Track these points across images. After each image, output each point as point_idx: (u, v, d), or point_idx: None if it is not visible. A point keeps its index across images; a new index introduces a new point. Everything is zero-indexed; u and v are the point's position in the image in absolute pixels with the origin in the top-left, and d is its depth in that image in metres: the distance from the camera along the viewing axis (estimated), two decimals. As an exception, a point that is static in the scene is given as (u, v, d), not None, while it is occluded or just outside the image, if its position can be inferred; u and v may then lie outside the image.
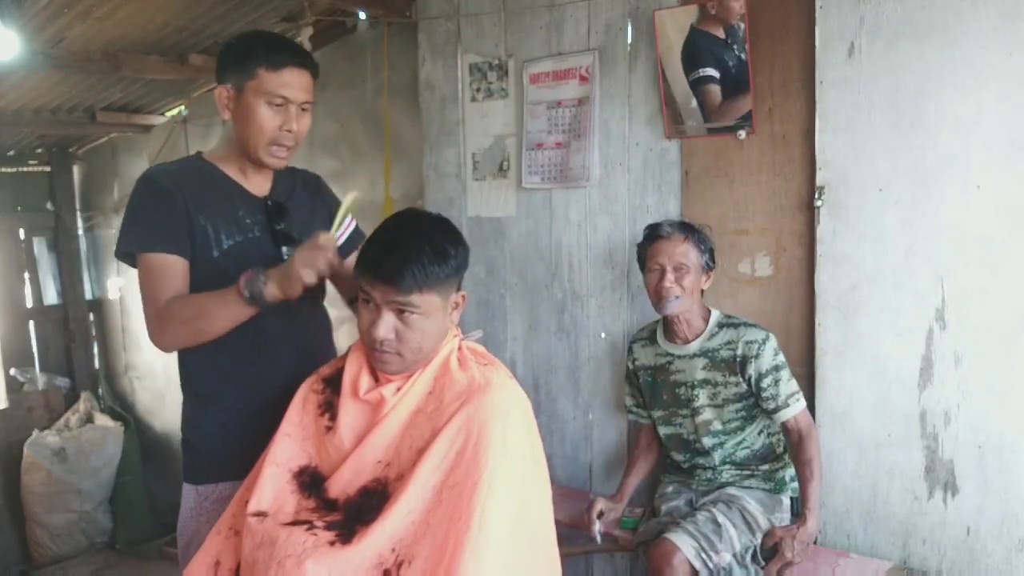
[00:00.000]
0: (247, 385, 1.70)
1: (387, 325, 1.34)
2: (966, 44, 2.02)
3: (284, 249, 1.71)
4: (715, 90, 2.39)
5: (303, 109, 1.69)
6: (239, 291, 1.52)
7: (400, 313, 1.34)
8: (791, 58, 2.29)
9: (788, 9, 2.28)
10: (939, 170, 2.08)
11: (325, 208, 1.85)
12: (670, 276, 2.16)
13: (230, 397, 1.70)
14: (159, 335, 1.63)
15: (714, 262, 2.26)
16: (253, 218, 1.71)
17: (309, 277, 1.50)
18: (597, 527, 2.31)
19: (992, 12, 1.98)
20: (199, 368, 1.72)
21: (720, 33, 2.36)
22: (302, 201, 1.82)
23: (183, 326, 1.59)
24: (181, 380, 1.77)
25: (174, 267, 1.62)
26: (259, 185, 1.76)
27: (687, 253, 2.17)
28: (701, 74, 2.41)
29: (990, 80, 2.00)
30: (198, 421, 1.75)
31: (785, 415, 2.14)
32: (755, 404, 2.20)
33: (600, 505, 2.33)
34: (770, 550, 2.06)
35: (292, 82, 1.64)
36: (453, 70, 3.02)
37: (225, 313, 1.56)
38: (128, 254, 1.65)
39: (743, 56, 2.33)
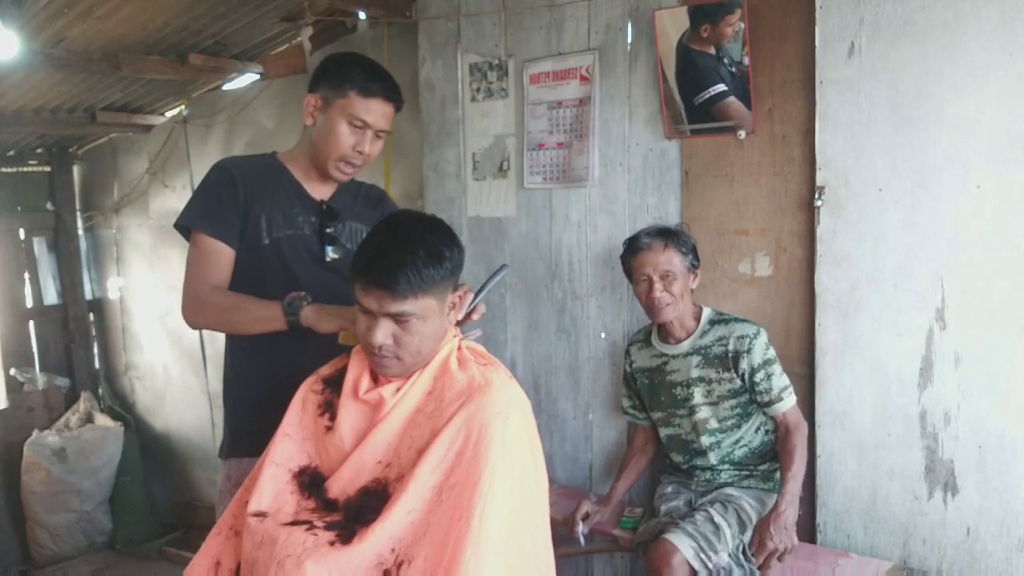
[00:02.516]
0: (275, 378, 1.73)
1: (385, 331, 1.34)
2: (966, 44, 2.02)
3: (328, 249, 1.83)
4: (732, 102, 2.38)
5: (378, 136, 1.81)
6: (281, 304, 1.65)
7: (398, 319, 1.33)
8: (791, 58, 2.29)
9: (788, 9, 2.29)
10: (939, 170, 2.09)
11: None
12: (658, 285, 2.18)
13: (261, 387, 1.77)
14: (192, 313, 1.78)
15: (698, 260, 2.26)
16: (306, 217, 1.83)
17: (331, 326, 1.61)
18: (580, 528, 2.35)
19: (992, 12, 1.99)
20: (241, 356, 1.85)
21: (712, 51, 2.37)
22: (359, 212, 1.92)
23: (218, 314, 1.75)
24: (225, 361, 1.90)
25: (220, 254, 1.77)
26: (320, 190, 1.87)
27: (671, 260, 2.18)
28: (712, 93, 2.39)
29: (990, 80, 2.00)
30: (233, 405, 1.87)
31: (780, 408, 2.16)
32: (750, 400, 2.21)
33: (586, 507, 2.38)
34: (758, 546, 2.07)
35: (377, 110, 1.77)
36: (453, 70, 3.02)
37: (260, 316, 1.69)
38: (184, 227, 1.80)
39: (744, 62, 2.33)
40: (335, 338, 1.72)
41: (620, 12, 2.60)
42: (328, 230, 1.84)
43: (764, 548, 2.03)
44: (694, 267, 2.23)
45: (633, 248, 2.24)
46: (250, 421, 1.75)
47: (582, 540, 2.36)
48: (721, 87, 2.37)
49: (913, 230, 2.13)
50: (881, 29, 2.12)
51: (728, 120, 2.40)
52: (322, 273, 1.82)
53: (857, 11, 2.15)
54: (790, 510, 2.07)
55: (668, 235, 2.21)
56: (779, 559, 2.05)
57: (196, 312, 1.77)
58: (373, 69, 1.80)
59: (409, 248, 1.33)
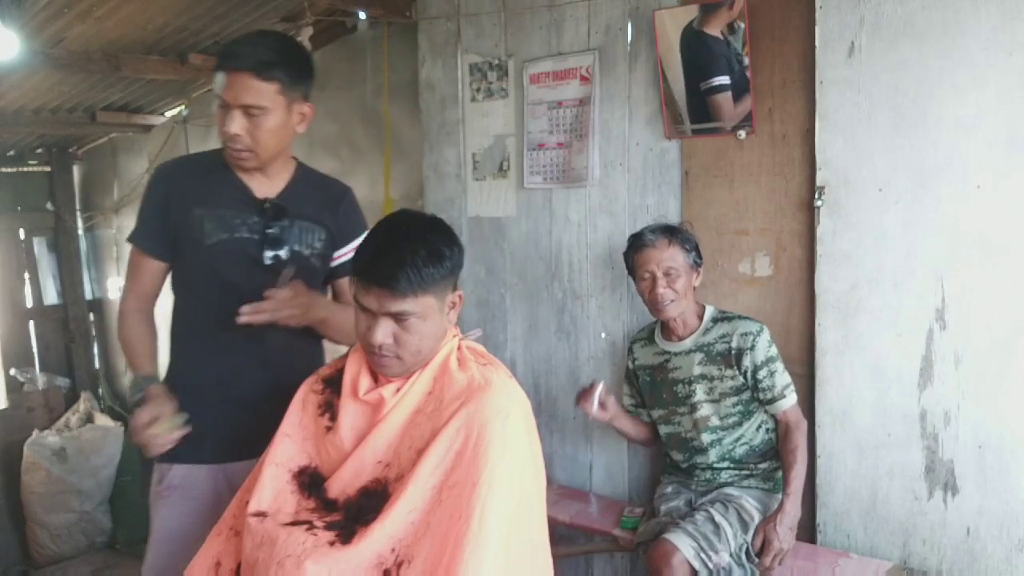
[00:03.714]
0: (212, 382, 1.75)
1: (384, 330, 1.33)
2: (966, 44, 2.02)
3: (267, 254, 1.70)
4: (728, 98, 2.38)
5: (248, 113, 1.61)
6: (133, 378, 1.70)
7: (397, 318, 1.33)
8: (791, 58, 2.29)
9: (788, 9, 2.28)
10: (939, 170, 2.09)
11: (338, 223, 1.84)
12: (662, 282, 2.18)
13: (196, 390, 1.73)
14: (118, 325, 1.77)
15: (701, 258, 2.27)
16: (243, 219, 1.71)
17: (145, 448, 1.59)
18: (599, 391, 2.27)
19: (992, 12, 1.98)
20: (177, 357, 1.81)
21: (719, 34, 2.36)
22: (313, 212, 1.79)
23: (120, 339, 1.77)
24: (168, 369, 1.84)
25: (144, 266, 1.74)
26: (267, 186, 1.75)
27: (674, 257, 2.18)
28: (715, 83, 2.38)
29: (990, 80, 2.00)
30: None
31: (782, 406, 2.17)
32: (752, 398, 2.21)
33: (601, 386, 2.29)
34: (762, 546, 2.07)
35: (230, 84, 1.59)
36: (453, 70, 3.02)
37: (129, 363, 1.74)
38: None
39: (744, 56, 2.33)
40: (273, 340, 1.72)
41: (620, 12, 2.60)
42: (270, 231, 1.71)
43: (771, 548, 2.03)
44: (697, 265, 2.24)
45: (637, 245, 2.25)
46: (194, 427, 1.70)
47: (595, 406, 2.28)
48: (724, 79, 2.36)
49: (913, 230, 2.13)
50: (881, 29, 2.12)
51: (719, 115, 2.40)
52: (262, 278, 1.68)
53: (857, 11, 2.15)
54: (795, 510, 2.07)
55: (672, 232, 2.22)
56: (780, 561, 2.05)
57: (118, 327, 1.77)
58: (236, 41, 1.65)
59: (409, 247, 1.32)
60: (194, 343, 1.77)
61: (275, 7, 3.20)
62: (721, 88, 2.38)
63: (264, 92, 1.60)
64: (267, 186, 1.75)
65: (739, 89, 2.36)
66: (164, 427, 1.58)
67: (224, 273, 1.70)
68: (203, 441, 1.71)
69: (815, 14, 2.21)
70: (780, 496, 2.18)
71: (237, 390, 1.75)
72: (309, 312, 1.68)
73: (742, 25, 2.32)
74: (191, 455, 1.72)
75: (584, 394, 2.31)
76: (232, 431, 1.74)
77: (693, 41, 2.41)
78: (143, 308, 1.77)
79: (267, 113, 1.63)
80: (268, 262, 1.70)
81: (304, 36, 3.37)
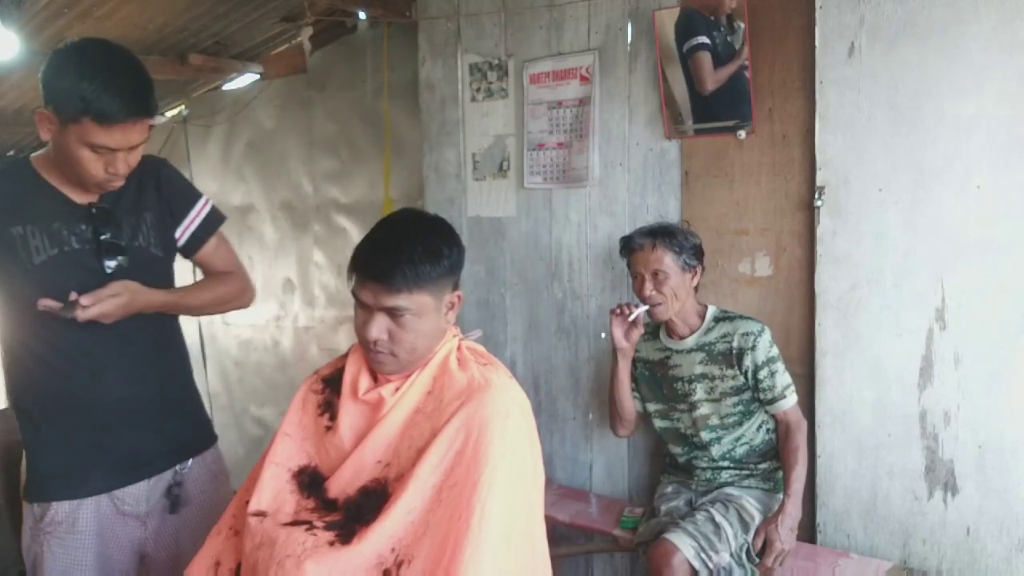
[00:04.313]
0: (77, 407, 1.63)
1: (380, 326, 1.33)
2: (966, 44, 2.02)
3: (108, 263, 1.60)
4: (707, 58, 2.41)
5: (134, 149, 1.54)
6: None
7: (392, 313, 1.33)
8: (791, 58, 2.29)
9: (788, 9, 2.29)
10: (939, 170, 2.09)
11: (163, 201, 1.73)
12: (648, 284, 2.19)
13: (60, 418, 1.63)
14: None
15: (697, 260, 2.23)
16: (71, 229, 1.59)
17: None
18: (635, 317, 2.24)
19: (992, 12, 1.99)
20: (25, 385, 1.66)
21: (707, 13, 2.40)
22: (137, 200, 1.68)
23: None
24: (7, 394, 1.70)
25: None
26: (85, 193, 1.61)
27: (661, 259, 2.18)
28: (694, 42, 2.42)
29: (990, 80, 2.01)
30: (30, 439, 1.67)
31: (782, 406, 2.17)
32: (752, 398, 2.21)
33: (642, 310, 2.24)
34: (763, 547, 2.07)
35: (120, 135, 1.48)
36: (453, 70, 3.02)
37: None
38: None
39: (728, 37, 2.37)
40: (136, 366, 1.63)
41: (620, 12, 2.60)
42: (104, 237, 1.59)
43: (772, 549, 2.03)
44: (690, 266, 2.21)
45: (627, 247, 2.26)
46: (67, 464, 1.62)
47: (627, 325, 2.26)
48: (703, 39, 2.40)
49: (913, 230, 2.13)
50: (881, 29, 2.12)
51: (700, 78, 2.43)
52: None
53: (857, 11, 2.15)
54: (796, 511, 2.07)
55: (659, 235, 2.20)
56: (781, 562, 2.05)
57: None
58: (107, 82, 1.44)
59: (407, 244, 1.33)
60: (47, 374, 1.62)
61: (275, 7, 3.20)
62: (701, 46, 2.41)
63: (148, 128, 1.55)
64: (84, 192, 1.61)
65: (721, 55, 2.39)
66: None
67: (61, 289, 1.53)
68: (83, 473, 1.63)
69: (815, 14, 2.21)
70: (781, 496, 2.18)
71: (111, 411, 1.64)
72: (130, 308, 1.59)
73: (742, 25, 2.32)
74: (70, 491, 1.62)
75: (621, 309, 2.26)
76: (114, 455, 1.65)
77: (681, 16, 2.46)
78: None
79: (144, 143, 1.58)
80: (109, 271, 1.60)
81: (304, 36, 3.37)
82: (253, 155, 4.34)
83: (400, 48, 3.38)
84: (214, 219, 1.83)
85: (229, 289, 1.83)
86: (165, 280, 1.74)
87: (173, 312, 1.76)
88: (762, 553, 2.06)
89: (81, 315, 1.51)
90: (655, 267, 2.18)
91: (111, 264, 1.60)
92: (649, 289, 2.19)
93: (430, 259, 1.33)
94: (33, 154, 1.64)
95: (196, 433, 1.83)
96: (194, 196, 1.80)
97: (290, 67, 3.88)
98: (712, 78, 2.41)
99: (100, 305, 1.52)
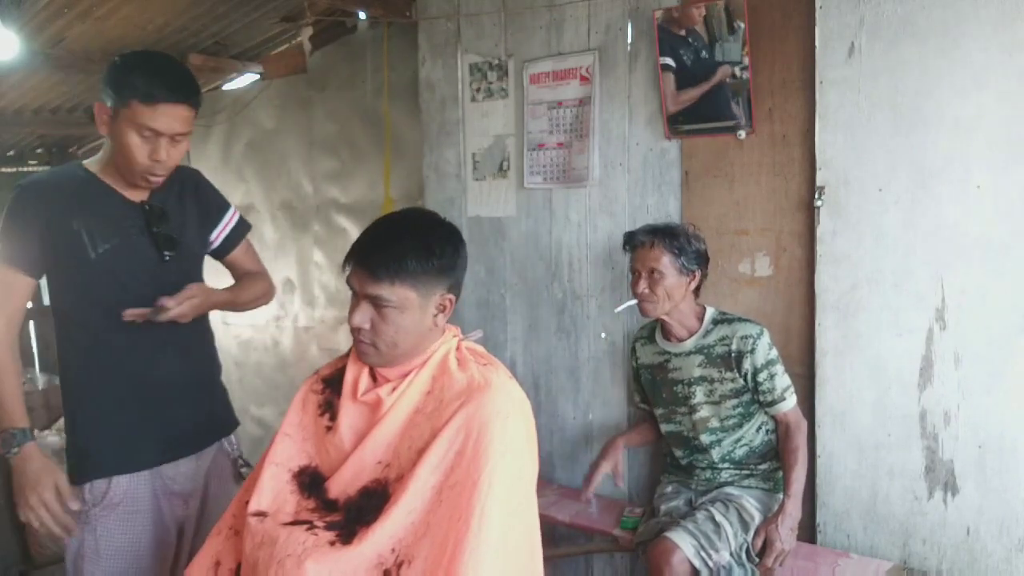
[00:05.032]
0: (133, 383, 1.76)
1: (363, 314, 1.35)
2: (966, 44, 2.02)
3: (165, 253, 1.77)
4: (670, 79, 2.47)
5: (176, 140, 1.68)
6: (4, 431, 1.65)
7: (376, 303, 1.34)
8: (791, 58, 2.29)
9: (788, 9, 2.29)
10: (939, 170, 2.09)
11: (201, 207, 1.91)
12: (643, 282, 2.19)
13: (116, 393, 1.74)
14: None
15: (697, 265, 2.21)
16: (130, 221, 1.74)
17: (21, 513, 1.61)
18: (593, 487, 2.33)
19: (992, 12, 1.99)
20: (81, 363, 1.76)
21: (682, 32, 2.43)
22: (180, 203, 1.86)
23: None
24: (61, 378, 1.81)
25: (14, 284, 1.72)
26: (135, 193, 1.77)
27: (659, 259, 2.17)
28: (661, 62, 2.49)
29: (990, 80, 2.01)
30: (81, 419, 1.76)
31: (782, 408, 2.17)
32: (752, 400, 2.21)
33: (605, 467, 2.33)
34: (763, 547, 2.07)
35: (165, 116, 1.62)
36: (453, 70, 3.02)
37: None
38: None
39: (703, 53, 2.39)
40: (183, 329, 1.75)
41: (620, 12, 2.60)
42: (156, 230, 1.76)
43: (773, 549, 2.03)
44: (689, 270, 2.19)
45: (629, 242, 2.27)
46: (117, 438, 1.73)
47: (593, 504, 2.39)
48: (667, 60, 2.48)
49: (913, 230, 2.13)
50: (881, 29, 2.12)
51: (663, 93, 2.48)
52: (161, 275, 1.76)
53: (857, 11, 2.15)
54: (796, 511, 2.07)
55: (660, 234, 2.20)
56: (781, 562, 2.06)
57: None
58: (156, 70, 1.65)
59: (399, 237, 1.36)
60: (103, 352, 1.74)
61: (275, 7, 3.21)
62: (665, 67, 2.48)
63: (190, 119, 1.69)
64: (135, 192, 1.77)
65: (692, 73, 2.43)
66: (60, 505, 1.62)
67: (121, 276, 1.72)
68: (137, 446, 1.74)
69: (815, 14, 2.21)
70: (781, 496, 2.18)
71: (161, 388, 1.78)
72: (201, 308, 1.79)
73: (742, 25, 2.32)
74: (128, 464, 1.73)
75: (588, 479, 2.35)
76: (164, 430, 1.77)
77: (659, 30, 2.49)
78: (12, 335, 1.74)
79: (186, 138, 1.72)
80: (167, 259, 1.77)
81: (304, 36, 3.38)
82: (253, 155, 4.34)
83: (400, 48, 3.38)
84: (243, 226, 2.03)
85: (264, 286, 2.05)
86: (199, 275, 1.92)
87: (229, 309, 1.98)
88: (762, 553, 2.06)
89: (164, 317, 1.68)
90: (652, 265, 2.18)
91: (168, 254, 1.77)
92: (643, 286, 2.20)
93: (418, 255, 1.34)
94: (87, 161, 1.78)
95: (227, 414, 1.99)
96: (225, 205, 1.99)
97: (290, 67, 3.88)
98: (674, 99, 2.48)
99: (181, 307, 1.70)
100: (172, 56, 1.78)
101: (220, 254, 2.00)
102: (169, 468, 1.80)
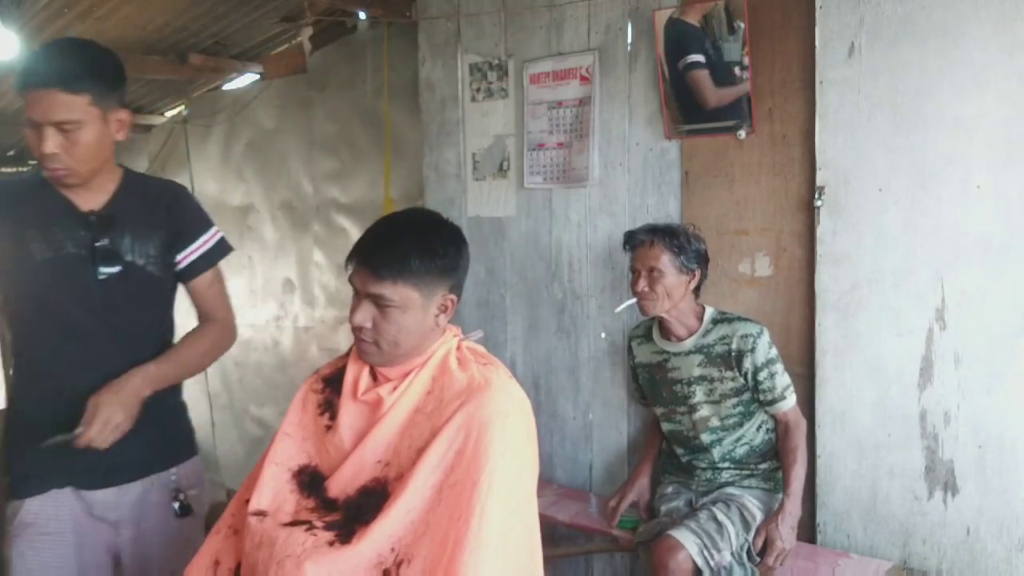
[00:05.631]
0: (51, 404, 1.61)
1: (365, 313, 1.35)
2: (966, 44, 2.02)
3: (101, 269, 1.61)
4: (706, 75, 2.41)
5: (61, 129, 1.52)
6: None
7: (378, 303, 1.34)
8: (791, 58, 2.29)
9: (788, 9, 2.29)
10: (939, 170, 2.09)
11: (174, 223, 1.73)
12: (642, 281, 2.20)
13: (34, 414, 1.64)
14: None
15: (696, 264, 2.21)
16: (67, 233, 1.61)
17: None
18: (618, 517, 2.39)
19: (992, 12, 1.99)
20: (16, 381, 1.69)
21: (695, 22, 2.40)
22: (146, 218, 1.69)
23: None
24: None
25: None
26: (91, 199, 1.65)
27: (658, 257, 2.18)
28: (690, 60, 2.42)
29: (990, 80, 2.00)
30: (9, 438, 1.67)
31: (782, 407, 2.18)
32: (752, 399, 2.21)
33: (631, 498, 2.41)
34: (764, 547, 2.08)
35: (38, 103, 1.50)
36: (453, 70, 3.02)
37: None
38: None
39: (724, 45, 2.36)
40: (127, 355, 1.61)
41: (620, 12, 2.60)
42: (99, 244, 1.61)
43: (774, 548, 2.03)
44: (688, 268, 2.19)
45: (629, 241, 2.28)
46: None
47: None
48: (698, 57, 2.40)
49: (913, 230, 2.13)
50: (881, 29, 2.12)
51: (701, 96, 2.42)
52: (97, 295, 1.62)
53: (857, 11, 2.15)
54: (797, 510, 2.08)
55: (660, 233, 2.21)
56: (782, 561, 2.06)
57: None
58: (36, 55, 1.54)
59: (403, 236, 1.36)
60: (29, 367, 1.66)
61: (275, 7, 3.21)
62: (696, 64, 2.41)
63: (75, 106, 1.52)
64: (92, 199, 1.65)
65: (720, 74, 2.38)
66: None
67: (53, 291, 1.60)
68: (50, 467, 1.62)
69: (815, 14, 2.21)
70: (781, 496, 2.18)
71: (79, 414, 1.57)
72: (130, 412, 1.57)
73: (742, 25, 2.32)
74: (38, 485, 1.63)
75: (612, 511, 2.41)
76: (83, 456, 1.58)
77: (671, 29, 2.45)
78: None
79: (81, 127, 1.54)
80: (102, 277, 1.61)
81: (304, 36, 3.38)
82: (253, 155, 4.34)
83: (400, 48, 3.38)
84: (218, 250, 1.81)
85: (212, 338, 1.81)
86: (161, 303, 1.75)
87: (174, 381, 1.74)
88: (763, 552, 2.06)
89: (80, 444, 1.50)
90: (651, 264, 2.18)
91: (104, 271, 1.61)
92: (642, 285, 2.20)
93: (421, 255, 1.34)
94: None
95: (171, 447, 1.79)
96: (205, 225, 1.80)
97: (290, 67, 3.89)
98: (715, 96, 2.41)
99: (90, 431, 1.50)
100: (81, 40, 1.62)
101: (184, 278, 1.78)
102: (88, 493, 1.66)
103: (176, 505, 1.74)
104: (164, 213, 1.72)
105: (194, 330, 1.80)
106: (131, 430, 1.60)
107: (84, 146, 1.55)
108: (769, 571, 2.06)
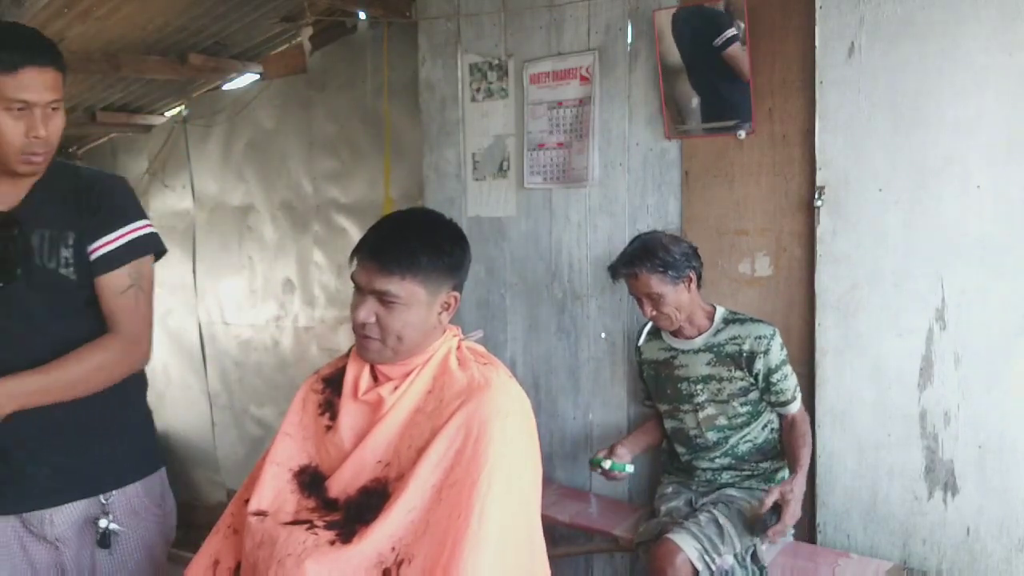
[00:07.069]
0: None
1: (368, 309, 1.35)
2: (966, 44, 2.02)
3: None
4: (739, 50, 2.35)
5: (52, 109, 1.46)
6: None
7: (383, 299, 1.34)
8: (791, 58, 2.29)
9: (788, 9, 2.29)
10: (939, 170, 2.09)
11: (89, 219, 1.54)
12: (648, 306, 2.21)
13: None
14: None
15: (688, 267, 2.18)
16: None
17: None
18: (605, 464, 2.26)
19: (992, 12, 1.99)
20: None
21: (721, 6, 2.37)
22: (58, 216, 1.53)
23: None
24: None
25: None
26: (7, 195, 1.51)
27: (648, 283, 2.17)
28: (730, 35, 2.35)
29: (990, 80, 2.01)
30: None
31: (791, 409, 2.20)
32: (759, 399, 2.21)
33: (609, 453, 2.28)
34: (769, 515, 2.03)
35: (32, 83, 1.41)
36: (453, 70, 3.02)
37: None
38: None
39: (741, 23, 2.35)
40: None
41: (620, 12, 2.60)
42: None
43: (788, 508, 1.98)
44: (683, 276, 2.17)
45: (614, 277, 2.28)
46: None
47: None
48: (734, 31, 2.35)
49: (913, 230, 2.13)
50: (881, 29, 2.13)
51: (738, 69, 2.36)
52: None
53: (857, 11, 2.15)
54: (803, 487, 2.06)
55: (638, 261, 2.17)
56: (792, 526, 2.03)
57: None
58: (9, 35, 1.46)
59: (411, 232, 1.37)
60: None
61: (275, 7, 3.21)
62: (734, 39, 2.35)
63: (61, 85, 1.47)
64: (6, 194, 1.51)
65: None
66: None
67: None
68: None
69: (815, 14, 2.21)
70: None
71: (11, 429, 1.45)
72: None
73: (742, 25, 2.32)
74: None
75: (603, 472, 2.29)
76: (10, 476, 1.51)
77: (689, 18, 2.42)
78: None
79: (62, 108, 1.49)
80: None
81: (304, 36, 3.38)
82: (253, 155, 4.34)
83: (400, 48, 3.38)
84: (142, 245, 1.57)
85: (107, 357, 1.54)
86: (77, 311, 1.55)
87: (49, 401, 1.48)
88: (778, 516, 2.01)
89: None
90: (646, 291, 2.18)
91: None
92: (650, 311, 2.21)
93: (429, 251, 1.35)
94: None
95: (111, 468, 1.61)
96: (132, 215, 1.59)
97: (290, 67, 3.89)
98: (747, 64, 2.36)
99: None
100: (21, 24, 1.56)
101: (95, 271, 1.54)
102: (26, 514, 1.54)
103: (97, 534, 1.58)
104: (82, 203, 1.54)
105: (90, 343, 1.54)
106: (61, 450, 1.51)
107: (60, 126, 1.49)
108: (777, 535, 2.02)
